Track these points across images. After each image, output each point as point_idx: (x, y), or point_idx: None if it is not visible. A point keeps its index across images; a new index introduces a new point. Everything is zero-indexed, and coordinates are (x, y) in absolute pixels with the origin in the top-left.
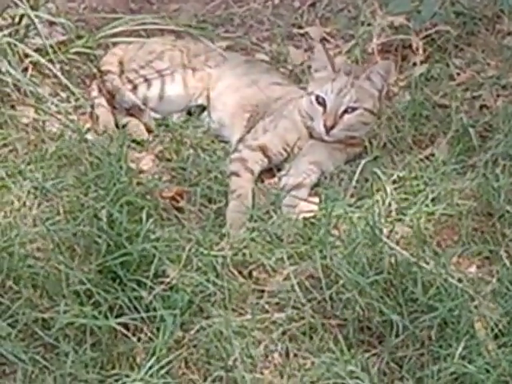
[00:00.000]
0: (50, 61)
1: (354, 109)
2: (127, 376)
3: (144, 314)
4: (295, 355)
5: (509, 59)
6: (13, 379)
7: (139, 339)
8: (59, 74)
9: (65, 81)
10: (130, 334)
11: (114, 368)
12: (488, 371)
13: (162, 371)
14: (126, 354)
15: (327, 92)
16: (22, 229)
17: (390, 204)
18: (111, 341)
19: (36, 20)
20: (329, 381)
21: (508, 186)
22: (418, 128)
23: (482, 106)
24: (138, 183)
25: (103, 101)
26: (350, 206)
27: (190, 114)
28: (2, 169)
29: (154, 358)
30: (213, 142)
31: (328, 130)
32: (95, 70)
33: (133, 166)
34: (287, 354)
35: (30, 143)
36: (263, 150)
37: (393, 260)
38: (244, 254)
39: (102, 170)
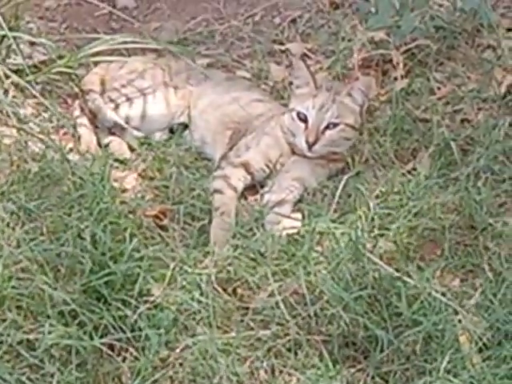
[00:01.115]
0: (31, 81)
1: (335, 124)
2: None
3: (129, 334)
4: (281, 372)
5: (489, 72)
6: None
7: (124, 359)
8: (38, 95)
9: (45, 102)
10: (114, 355)
11: None
12: None
13: None
14: (112, 374)
15: (309, 108)
16: (5, 250)
17: (372, 219)
18: (97, 361)
19: (17, 41)
20: None
21: (490, 199)
22: (399, 142)
23: (463, 120)
24: (122, 202)
25: (85, 120)
26: (333, 221)
27: (172, 132)
28: None
29: (140, 378)
30: (196, 159)
31: (310, 146)
32: (77, 90)
33: (116, 185)
34: (273, 371)
35: (12, 164)
36: (246, 166)
37: (376, 275)
38: (228, 272)
39: (84, 189)
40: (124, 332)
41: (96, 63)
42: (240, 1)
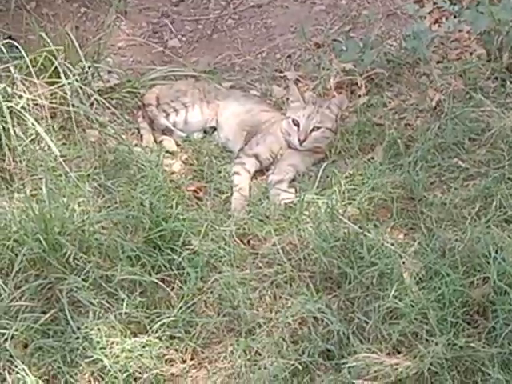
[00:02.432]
0: (108, 98)
1: (318, 128)
2: (165, 313)
3: (176, 271)
4: (280, 297)
5: (424, 92)
6: (86, 317)
7: (172, 288)
8: (113, 108)
9: (117, 112)
10: (165, 286)
11: (155, 308)
12: (412, 306)
13: (189, 310)
14: (164, 299)
15: (300, 117)
16: (91, 214)
17: (343, 192)
18: (153, 289)
19: (98, 70)
20: (303, 314)
21: (425, 179)
22: (362, 140)
23: (406, 124)
24: (171, 181)
25: (145, 125)
26: (316, 194)
27: (205, 132)
28: (76, 173)
29: (183, 302)
30: (221, 151)
31: (301, 142)
32: (140, 104)
33: (167, 169)
34: (275, 297)
35: (95, 155)
36: (256, 156)
37: (346, 231)
38: (244, 229)
39: (145, 172)
40: (172, 270)
41: (153, 85)
42: (252, 42)
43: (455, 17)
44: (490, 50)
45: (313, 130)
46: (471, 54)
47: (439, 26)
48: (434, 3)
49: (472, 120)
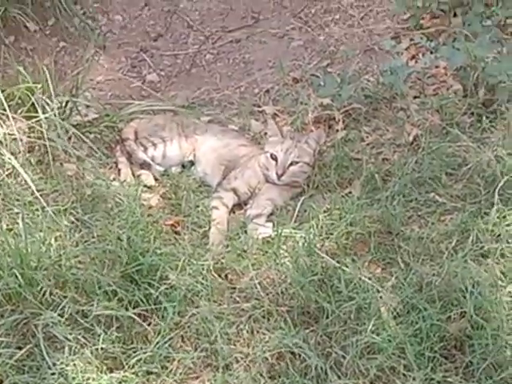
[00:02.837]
0: (86, 132)
1: (297, 162)
2: (141, 348)
3: (153, 306)
4: (257, 332)
5: (401, 126)
6: (62, 352)
7: (149, 323)
8: (90, 142)
9: (94, 147)
10: (142, 321)
11: (132, 343)
12: (390, 341)
13: (166, 345)
14: (141, 334)
15: (278, 151)
16: (67, 248)
17: (321, 227)
18: (130, 324)
19: (76, 104)
20: (281, 349)
21: (402, 214)
22: (340, 174)
23: (383, 159)
24: (148, 215)
25: (124, 159)
26: (294, 228)
27: (183, 167)
28: (53, 207)
29: (160, 336)
30: (199, 186)
31: (279, 177)
32: (118, 138)
33: (144, 203)
34: (252, 332)
35: (72, 189)
36: (234, 191)
37: (324, 265)
38: (222, 263)
39: (123, 206)
40: (150, 305)
41: (131, 119)
42: (231, 77)
43: (432, 53)
44: (466, 85)
45: (291, 164)
46: (448, 89)
47: (416, 61)
48: (411, 39)
49: (449, 155)
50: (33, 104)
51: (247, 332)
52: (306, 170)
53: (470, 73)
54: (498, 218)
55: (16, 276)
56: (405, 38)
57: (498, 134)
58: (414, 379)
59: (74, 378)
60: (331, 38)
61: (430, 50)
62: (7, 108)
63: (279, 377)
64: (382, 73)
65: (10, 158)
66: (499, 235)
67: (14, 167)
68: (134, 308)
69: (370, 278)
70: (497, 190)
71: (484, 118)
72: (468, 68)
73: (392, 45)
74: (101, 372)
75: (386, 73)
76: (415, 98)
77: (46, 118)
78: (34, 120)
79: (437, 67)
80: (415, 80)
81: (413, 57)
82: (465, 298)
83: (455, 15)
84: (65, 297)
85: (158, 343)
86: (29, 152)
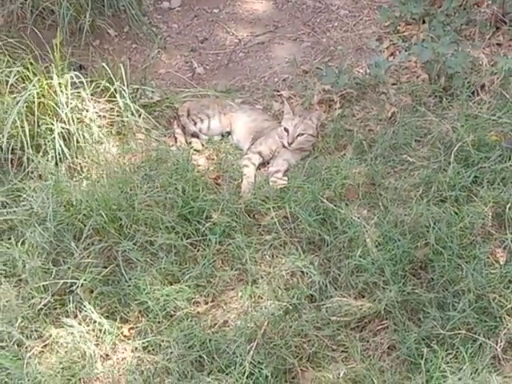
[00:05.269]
0: (152, 110)
1: (302, 134)
2: (193, 268)
3: (201, 238)
4: (276, 256)
5: (382, 106)
6: (135, 271)
7: (198, 250)
8: (154, 119)
9: (157, 122)
10: (192, 248)
11: (186, 264)
12: (373, 263)
13: (210, 266)
14: (192, 258)
15: (289, 125)
16: (139, 195)
17: (323, 180)
18: (184, 251)
19: (144, 90)
20: (293, 269)
21: (382, 170)
22: (337, 141)
23: (369, 130)
24: (197, 171)
25: (179, 130)
26: (303, 180)
27: (223, 136)
28: (128, 166)
29: (206, 259)
30: (234, 150)
31: (289, 144)
32: (175, 115)
33: (194, 163)
34: (273, 256)
35: (142, 152)
36: (260, 153)
37: (325, 208)
38: (250, 206)
39: (178, 165)
40: (198, 237)
41: (184, 101)
42: (257, 69)
43: (406, 51)
44: (431, 75)
45: (298, 135)
46: (417, 77)
47: (394, 57)
48: (391, 41)
49: (417, 126)
50: (113, 91)
51: (269, 256)
52: (310, 139)
53: (434, 65)
54: (453, 173)
55: (102, 215)
56: (386, 40)
57: (454, 111)
58: (390, 291)
59: (144, 289)
60: (331, 40)
61: (405, 49)
62: (94, 94)
63: (292, 289)
64: (369, 66)
65: (97, 130)
66: (454, 185)
67: (99, 136)
68: (187, 239)
69: (358, 218)
70: (453, 153)
71: (444, 99)
72: (433, 62)
73: (376, 45)
74: (163, 285)
75: (372, 66)
76: (393, 84)
77: (122, 101)
78: (113, 103)
79: (409, 61)
80: (393, 71)
81: (391, 54)
82: (428, 231)
83: (424, 22)
84: (138, 230)
85: (204, 264)
86: (110, 126)
